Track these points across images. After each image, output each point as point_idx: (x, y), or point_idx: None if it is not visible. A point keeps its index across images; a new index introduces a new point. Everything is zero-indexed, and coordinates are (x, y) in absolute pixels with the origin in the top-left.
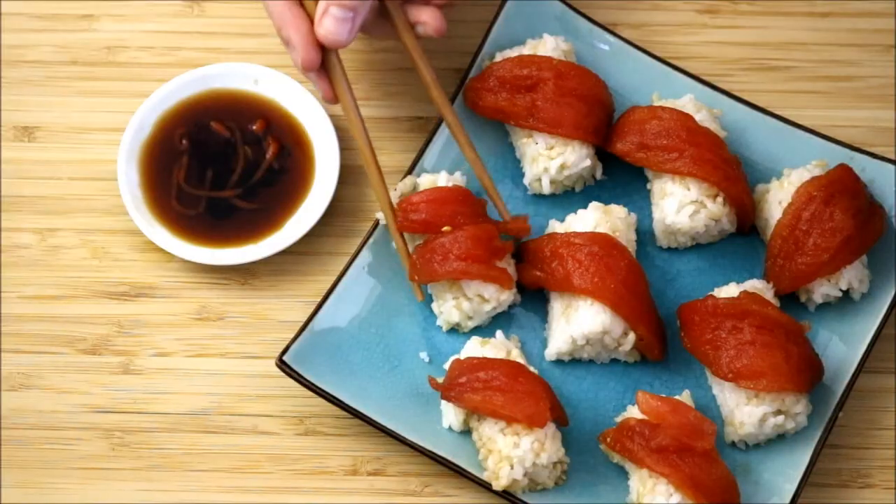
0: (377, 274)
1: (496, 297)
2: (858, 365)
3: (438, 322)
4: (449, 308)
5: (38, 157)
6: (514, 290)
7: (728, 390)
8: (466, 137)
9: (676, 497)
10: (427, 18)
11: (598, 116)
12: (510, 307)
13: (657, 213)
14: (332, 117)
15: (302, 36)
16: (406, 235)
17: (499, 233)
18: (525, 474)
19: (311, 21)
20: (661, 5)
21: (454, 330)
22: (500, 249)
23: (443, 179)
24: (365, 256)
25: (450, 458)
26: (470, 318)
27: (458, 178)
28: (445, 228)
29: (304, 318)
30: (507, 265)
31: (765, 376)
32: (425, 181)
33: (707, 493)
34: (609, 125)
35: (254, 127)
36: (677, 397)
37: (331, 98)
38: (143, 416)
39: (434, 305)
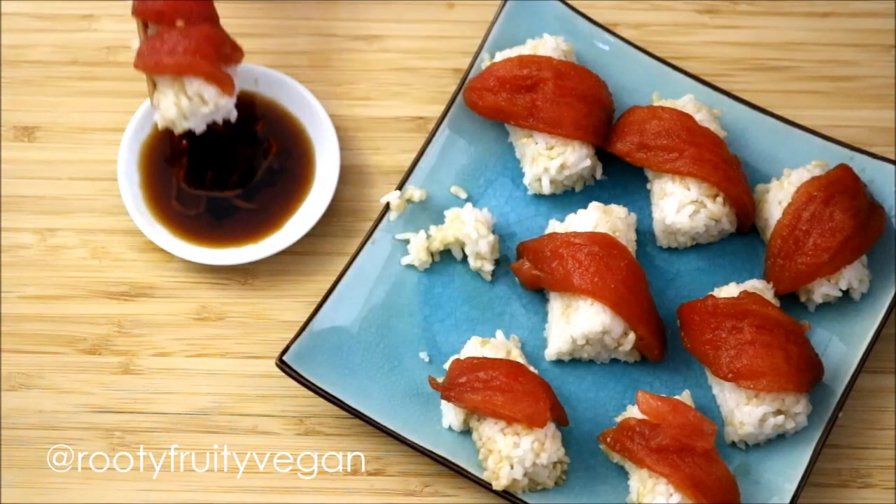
0: (377, 274)
1: (215, 100)
2: (858, 365)
3: (155, 117)
4: (168, 104)
5: (38, 157)
6: (234, 98)
7: (728, 390)
8: None
9: (676, 497)
10: None
11: (598, 116)
12: (510, 308)
13: (657, 213)
14: (333, 117)
15: None
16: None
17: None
18: (525, 474)
19: None
20: (661, 5)
21: (453, 329)
22: (230, 57)
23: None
24: (365, 256)
25: (450, 458)
26: (185, 118)
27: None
28: (179, 23)
29: (304, 318)
30: (233, 74)
31: (765, 376)
32: (417, 194)
33: (707, 493)
34: (609, 125)
35: (254, 127)
36: (677, 397)
37: None
38: (143, 416)
39: (153, 101)
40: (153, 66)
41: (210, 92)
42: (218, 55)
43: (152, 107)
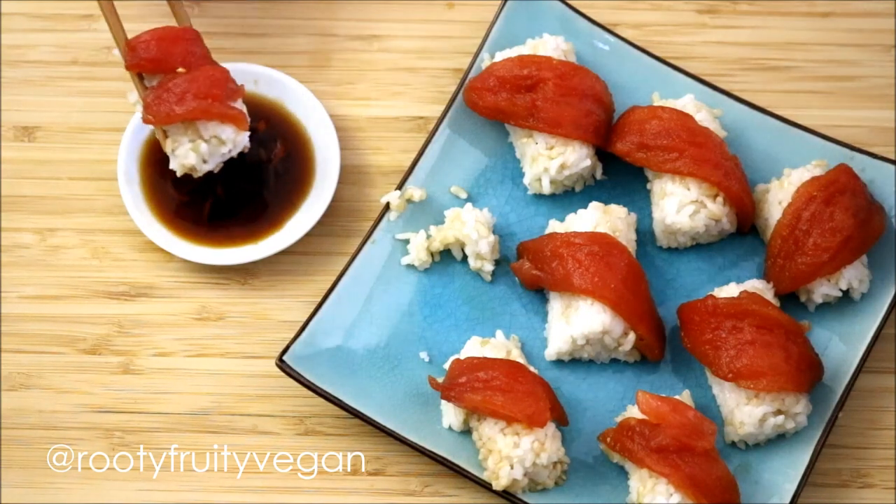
0: (377, 273)
1: (233, 138)
2: (858, 365)
3: (172, 166)
4: (185, 151)
5: (38, 157)
6: (248, 132)
7: (728, 390)
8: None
9: (676, 497)
10: None
11: (598, 116)
12: (510, 308)
13: (657, 213)
14: (333, 117)
15: None
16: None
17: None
18: (525, 474)
19: None
20: (661, 5)
21: (453, 329)
22: (235, 91)
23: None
24: (365, 256)
25: (450, 458)
26: (205, 161)
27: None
28: (180, 70)
29: (304, 318)
30: (241, 108)
31: (765, 376)
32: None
33: (707, 493)
34: (609, 125)
35: (254, 127)
36: (677, 397)
37: None
38: (143, 416)
39: (167, 148)
40: (165, 117)
41: (227, 132)
42: (226, 94)
43: (168, 154)
